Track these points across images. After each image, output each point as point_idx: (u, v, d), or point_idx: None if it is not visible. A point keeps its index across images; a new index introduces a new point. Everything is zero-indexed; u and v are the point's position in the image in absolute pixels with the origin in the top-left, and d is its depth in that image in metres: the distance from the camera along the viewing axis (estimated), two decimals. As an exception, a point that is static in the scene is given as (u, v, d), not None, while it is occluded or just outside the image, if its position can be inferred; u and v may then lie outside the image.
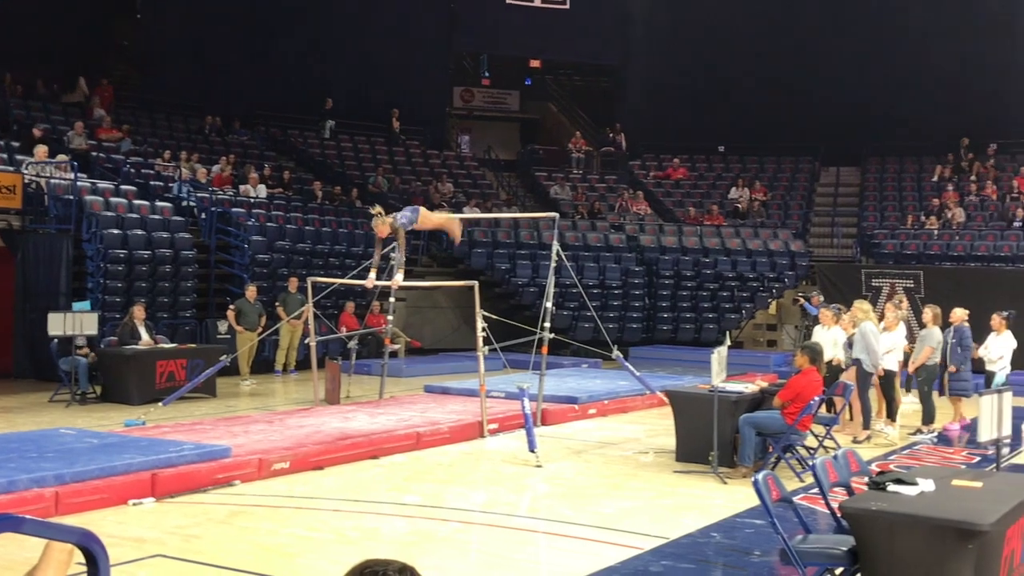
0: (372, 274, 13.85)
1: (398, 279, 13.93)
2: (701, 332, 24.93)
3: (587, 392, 15.99)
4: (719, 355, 11.25)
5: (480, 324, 13.77)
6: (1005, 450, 9.75)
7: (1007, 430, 8.67)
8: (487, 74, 36.20)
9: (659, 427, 13.91)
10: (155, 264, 18.87)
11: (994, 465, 8.94)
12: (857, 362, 13.64)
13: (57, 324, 15.28)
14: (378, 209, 13.45)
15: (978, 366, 14.94)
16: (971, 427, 14.19)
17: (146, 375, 15.80)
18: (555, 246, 14.90)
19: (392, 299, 17.22)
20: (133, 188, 20.66)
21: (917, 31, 29.18)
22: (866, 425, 13.61)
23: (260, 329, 18.39)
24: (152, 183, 21.74)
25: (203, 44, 28.37)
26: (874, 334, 13.62)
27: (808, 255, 26.48)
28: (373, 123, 30.05)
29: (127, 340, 16.13)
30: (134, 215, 19.36)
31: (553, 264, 14.63)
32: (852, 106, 29.10)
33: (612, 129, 32.16)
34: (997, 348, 14.36)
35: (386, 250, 16.67)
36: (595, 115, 35.17)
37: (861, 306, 14.16)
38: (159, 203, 20.40)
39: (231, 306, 18.85)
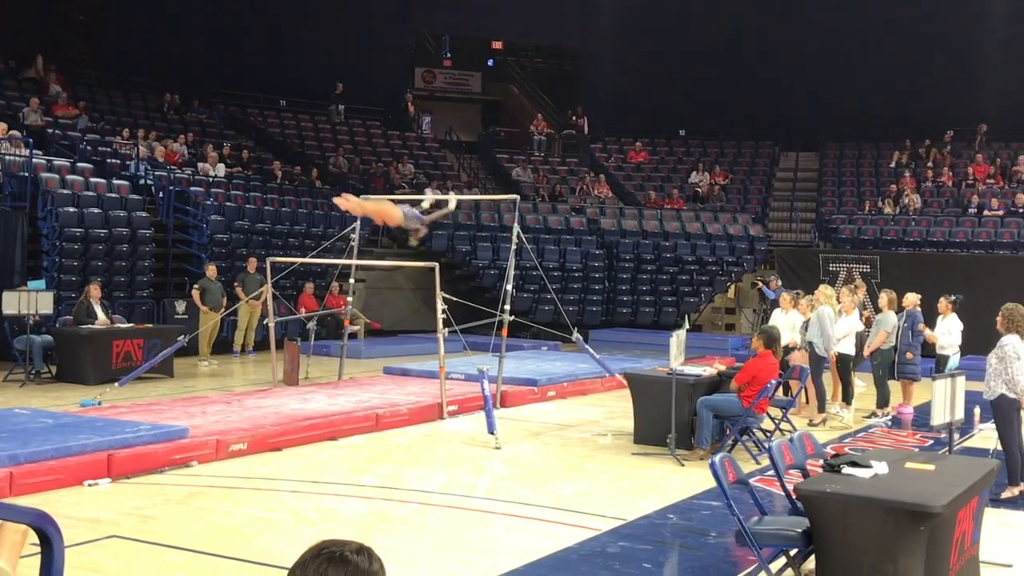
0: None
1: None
2: (660, 315, 25.06)
3: (546, 374, 16.04)
4: (678, 338, 11.32)
5: (440, 306, 13.76)
6: (957, 434, 9.90)
7: (960, 414, 8.80)
8: (449, 55, 36.04)
9: (617, 409, 13.98)
10: (112, 243, 18.67)
11: (947, 448, 9.07)
12: (810, 346, 13.77)
13: (12, 303, 15.10)
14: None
15: (927, 350, 15.14)
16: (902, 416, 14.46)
17: (102, 355, 15.65)
18: (516, 228, 14.89)
19: (352, 280, 17.16)
20: (90, 166, 20.41)
21: (877, 19, 29.39)
22: (821, 408, 13.76)
23: (223, 308, 18.28)
24: (109, 161, 21.49)
25: (161, 21, 28.02)
26: (830, 319, 13.75)
27: (767, 239, 26.66)
28: (333, 102, 29.84)
29: (83, 319, 15.96)
30: (90, 193, 19.13)
31: (514, 246, 14.63)
32: (812, 92, 29.28)
33: (574, 112, 32.17)
34: (945, 331, 14.55)
35: (345, 230, 16.64)
36: (557, 98, 35.14)
37: (824, 291, 14.27)
38: (116, 181, 20.18)
39: (195, 286, 18.70)
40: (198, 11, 28.23)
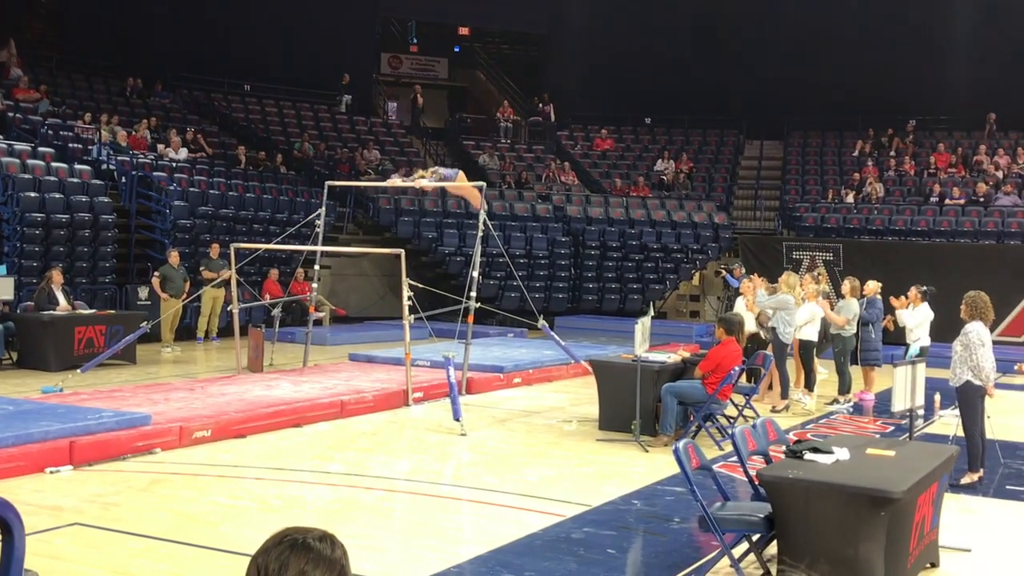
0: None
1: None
2: (626, 302, 25.15)
3: (512, 361, 16.06)
4: (643, 325, 11.37)
5: (406, 293, 13.73)
6: (918, 420, 10.01)
7: (920, 400, 8.89)
8: (415, 40, 35.90)
9: (583, 396, 14.02)
10: (74, 228, 18.49)
11: (907, 435, 9.17)
12: (773, 332, 13.87)
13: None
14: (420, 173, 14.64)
15: (897, 338, 15.28)
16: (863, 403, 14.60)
17: (64, 341, 15.51)
18: (482, 215, 14.90)
19: (317, 266, 17.09)
20: (51, 150, 20.19)
21: (842, 8, 29.56)
22: (784, 395, 13.86)
23: (185, 295, 18.15)
24: (71, 145, 21.26)
25: (123, 4, 27.72)
26: (791, 308, 13.81)
27: (731, 227, 26.81)
28: (298, 87, 29.69)
29: (44, 306, 15.80)
30: (52, 178, 18.93)
31: (480, 233, 14.64)
32: (776, 81, 29.40)
33: (540, 99, 32.16)
34: (912, 319, 14.70)
35: (310, 216, 16.56)
36: (523, 84, 35.12)
37: (787, 280, 14.33)
38: (78, 166, 19.97)
39: (155, 273, 18.55)
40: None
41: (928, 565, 6.98)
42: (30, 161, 19.12)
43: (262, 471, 9.45)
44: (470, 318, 14.23)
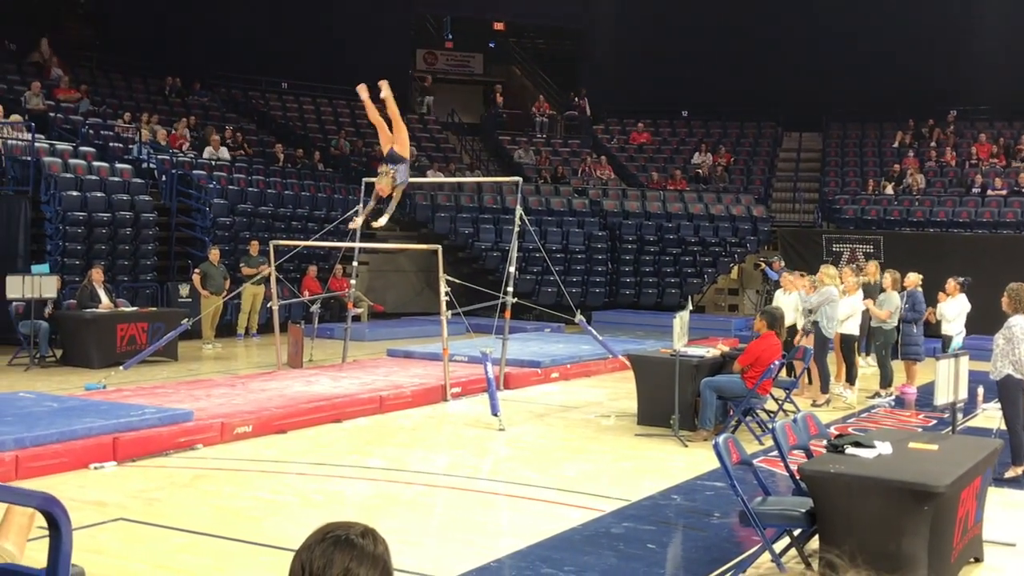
0: (360, 218, 13.68)
1: (382, 221, 13.20)
2: (663, 296, 25.05)
3: (550, 356, 16.05)
4: (681, 319, 11.33)
5: (443, 288, 13.77)
6: (960, 414, 9.91)
7: (963, 394, 8.80)
8: (450, 36, 35.92)
9: (621, 391, 13.99)
10: (115, 227, 18.68)
11: (950, 428, 9.08)
12: (815, 326, 13.76)
13: (16, 287, 15.12)
14: (385, 169, 12.67)
15: (932, 330, 15.15)
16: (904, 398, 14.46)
17: (106, 338, 15.68)
18: (518, 211, 14.90)
19: (355, 263, 17.17)
20: (92, 150, 20.38)
21: (880, -3, 29.32)
22: (824, 389, 13.76)
23: (225, 292, 18.30)
24: (112, 145, 21.46)
25: (162, 3, 27.94)
26: (835, 301, 13.72)
27: (770, 220, 26.62)
28: (334, 84, 29.79)
29: (86, 303, 15.99)
30: (93, 177, 19.13)
31: (516, 229, 14.64)
32: (815, 72, 29.11)
33: (576, 93, 32.08)
34: (950, 311, 14.59)
35: (348, 213, 16.61)
36: (559, 79, 35.04)
37: (827, 271, 14.22)
38: (119, 165, 20.16)
39: (196, 271, 18.70)
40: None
41: (972, 560, 6.91)
42: (72, 160, 19.32)
43: (303, 466, 9.52)
44: (507, 313, 14.24)
